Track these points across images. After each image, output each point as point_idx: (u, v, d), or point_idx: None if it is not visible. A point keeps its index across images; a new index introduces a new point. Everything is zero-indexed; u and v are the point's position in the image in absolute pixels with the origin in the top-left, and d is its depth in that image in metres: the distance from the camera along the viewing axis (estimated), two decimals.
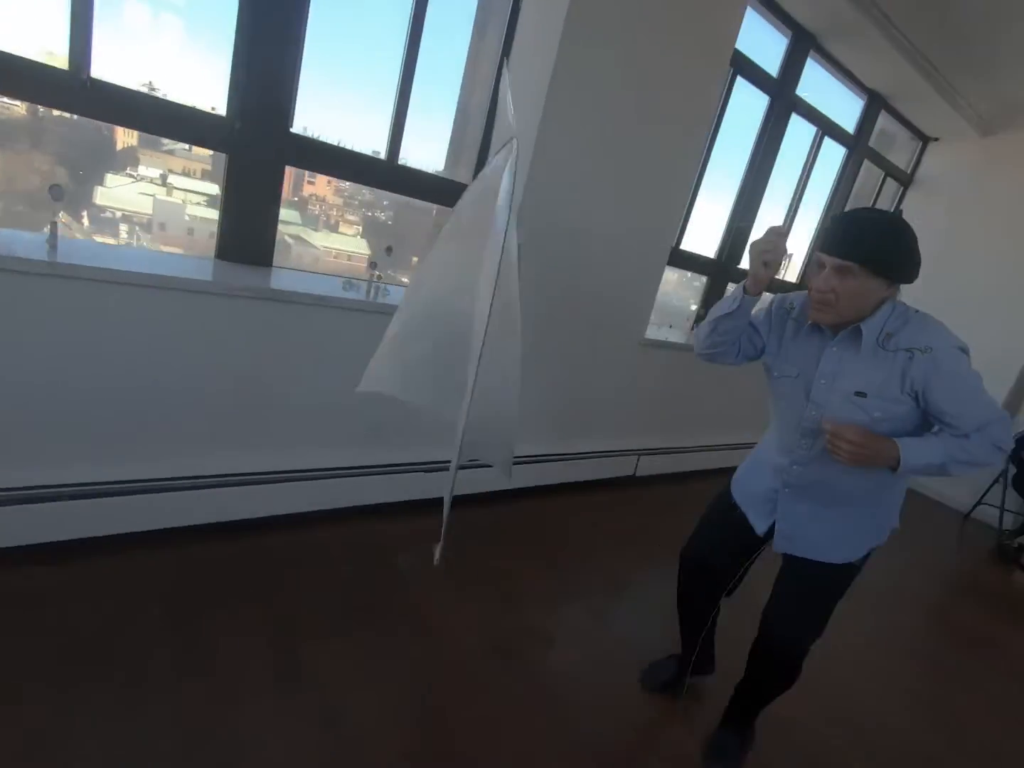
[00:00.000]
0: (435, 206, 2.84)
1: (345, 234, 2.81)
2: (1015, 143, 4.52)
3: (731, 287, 4.13)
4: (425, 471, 2.60)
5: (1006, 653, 2.85)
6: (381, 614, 1.99)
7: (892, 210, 5.15)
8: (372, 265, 2.32)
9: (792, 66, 3.62)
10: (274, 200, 2.23)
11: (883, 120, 4.51)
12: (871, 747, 1.95)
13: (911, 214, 5.15)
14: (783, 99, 3.66)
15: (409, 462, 2.57)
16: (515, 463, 2.87)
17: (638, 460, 3.48)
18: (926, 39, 3.59)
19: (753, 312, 1.47)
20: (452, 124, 2.89)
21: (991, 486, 4.46)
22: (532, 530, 2.79)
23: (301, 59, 2.14)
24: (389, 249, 2.37)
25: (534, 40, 2.47)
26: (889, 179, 4.93)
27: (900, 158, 4.97)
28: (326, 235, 2.75)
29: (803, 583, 1.52)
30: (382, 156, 2.46)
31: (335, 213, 2.77)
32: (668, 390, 3.63)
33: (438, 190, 2.67)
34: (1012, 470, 4.27)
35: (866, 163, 4.60)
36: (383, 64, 2.40)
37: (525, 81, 2.48)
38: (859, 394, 1.31)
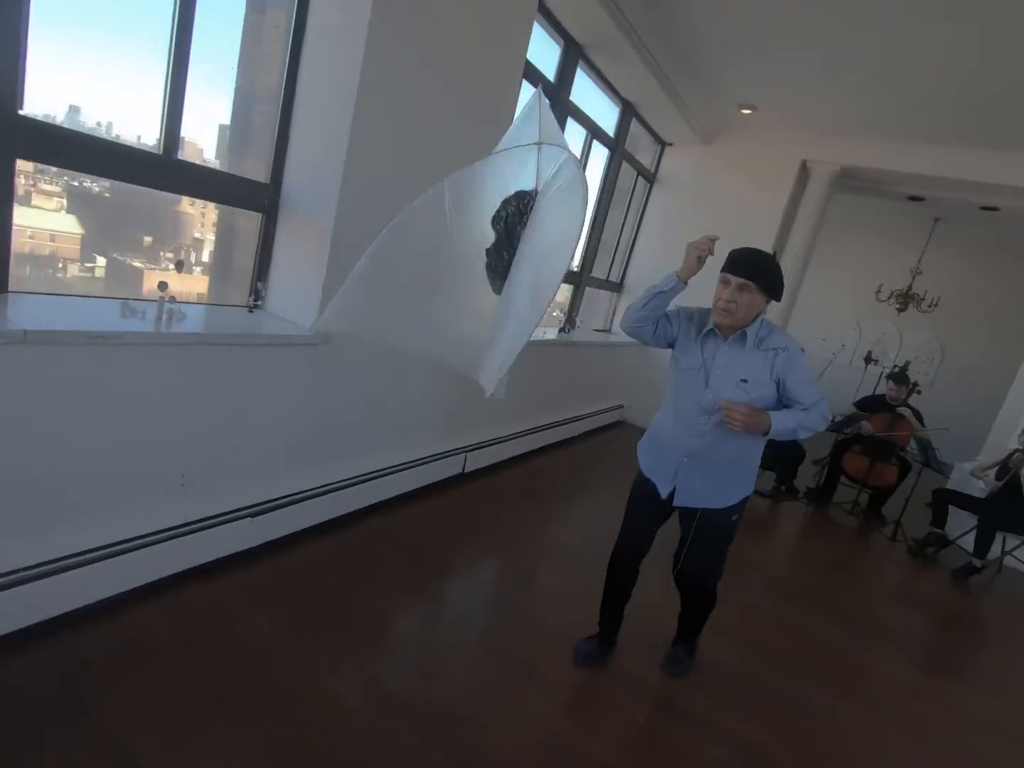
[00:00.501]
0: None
1: (43, 208, 2.20)
2: (725, 150, 5.56)
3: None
4: (252, 516, 2.28)
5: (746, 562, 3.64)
6: (234, 699, 1.71)
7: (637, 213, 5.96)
8: (161, 286, 1.90)
9: (565, 73, 3.90)
10: (3, 203, 1.68)
11: (632, 125, 5.15)
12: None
13: (656, 209, 6.01)
14: (559, 104, 3.93)
15: (228, 511, 2.22)
16: (347, 486, 2.71)
17: (466, 458, 3.53)
18: (664, 57, 4.18)
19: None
20: (231, 110, 2.50)
21: None
22: (374, 552, 2.65)
23: (26, 19, 1.61)
24: (180, 264, 1.97)
25: (335, 38, 2.24)
26: (640, 178, 5.68)
27: (644, 159, 5.74)
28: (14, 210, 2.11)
29: (705, 529, 1.98)
30: (154, 148, 2.01)
31: (24, 181, 2.12)
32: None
33: (225, 189, 2.30)
34: None
35: (623, 163, 5.22)
36: (151, 38, 1.94)
37: (329, 76, 2.25)
38: (743, 380, 1.83)
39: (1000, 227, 5.99)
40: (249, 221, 2.56)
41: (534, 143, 1.28)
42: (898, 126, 4.59)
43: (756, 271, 1.76)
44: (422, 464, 3.17)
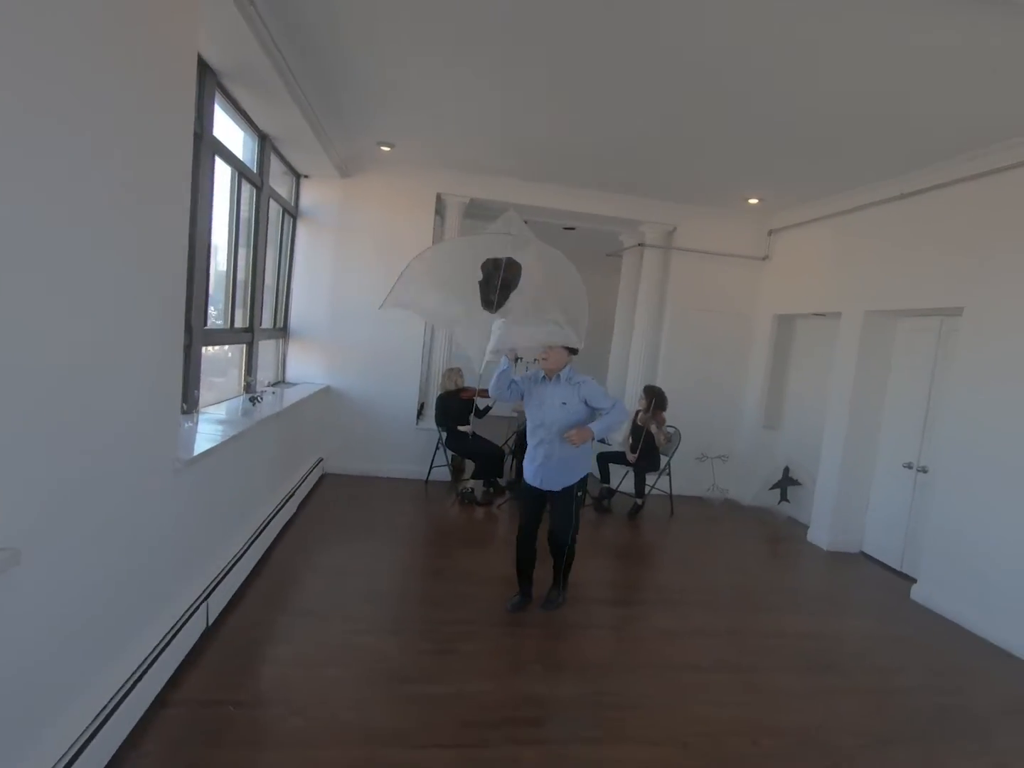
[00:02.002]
0: None
1: None
2: (365, 182, 5.56)
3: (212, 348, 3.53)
4: None
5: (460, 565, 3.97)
6: None
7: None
8: None
9: (204, 104, 3.21)
10: None
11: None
12: None
13: (304, 244, 5.61)
14: (205, 140, 3.23)
15: None
16: (93, 735, 1.76)
17: (208, 605, 2.69)
18: (312, 91, 3.89)
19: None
20: None
21: (435, 452, 5.77)
22: None
23: None
24: None
25: None
26: (285, 214, 5.17)
27: (281, 191, 5.26)
28: None
29: (561, 501, 3.20)
30: None
31: None
32: (218, 496, 2.93)
33: None
34: (444, 435, 5.62)
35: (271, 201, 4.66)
36: None
37: None
38: (564, 403, 3.12)
39: (578, 242, 7.79)
40: None
41: (507, 233, 2.81)
42: (506, 168, 5.44)
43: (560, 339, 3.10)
44: (165, 647, 2.28)
